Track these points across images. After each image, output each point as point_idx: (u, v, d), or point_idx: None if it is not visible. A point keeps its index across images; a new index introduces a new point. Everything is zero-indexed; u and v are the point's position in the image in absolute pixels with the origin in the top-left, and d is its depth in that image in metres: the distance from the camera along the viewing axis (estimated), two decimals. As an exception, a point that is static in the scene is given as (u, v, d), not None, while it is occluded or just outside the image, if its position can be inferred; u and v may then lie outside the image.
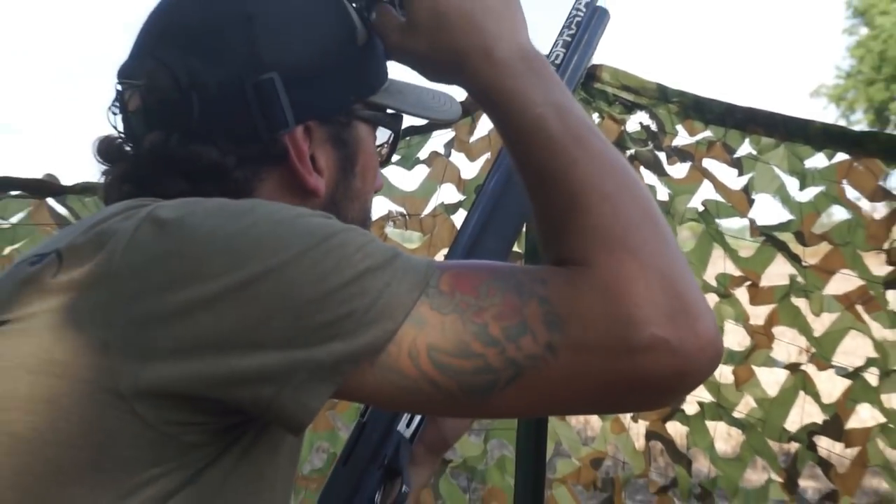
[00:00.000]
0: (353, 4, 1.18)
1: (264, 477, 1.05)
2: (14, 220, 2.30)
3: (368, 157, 1.21)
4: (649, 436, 2.48)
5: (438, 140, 2.55)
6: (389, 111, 1.23)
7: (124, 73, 1.15)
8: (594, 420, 2.59)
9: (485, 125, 2.53)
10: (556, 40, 1.39)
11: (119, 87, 1.15)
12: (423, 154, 2.54)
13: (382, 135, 1.26)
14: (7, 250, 2.28)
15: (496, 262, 1.05)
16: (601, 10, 1.40)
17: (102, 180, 1.18)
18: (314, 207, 1.12)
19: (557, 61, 1.37)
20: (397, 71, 1.23)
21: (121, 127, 1.15)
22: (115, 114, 1.15)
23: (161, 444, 0.95)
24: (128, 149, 1.14)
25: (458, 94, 1.20)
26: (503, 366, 0.93)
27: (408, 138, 2.53)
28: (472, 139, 2.51)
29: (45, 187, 2.27)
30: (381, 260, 0.95)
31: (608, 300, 0.92)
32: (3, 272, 1.10)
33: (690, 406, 2.43)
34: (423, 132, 2.54)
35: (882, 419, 2.22)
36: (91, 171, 1.23)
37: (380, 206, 2.56)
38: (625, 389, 0.96)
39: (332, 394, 0.96)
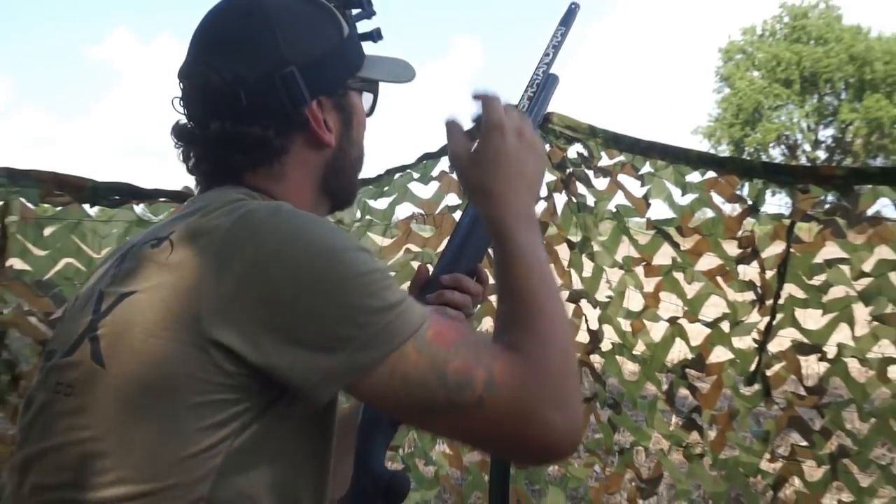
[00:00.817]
0: (334, 7, 1.17)
1: (315, 425, 1.04)
2: (162, 217, 2.23)
3: (360, 115, 1.20)
4: (580, 364, 2.46)
5: (445, 162, 2.50)
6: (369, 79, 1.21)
7: (183, 75, 1.13)
8: None
9: None
10: (523, 94, 1.35)
11: (181, 86, 1.14)
12: (435, 172, 2.53)
13: (367, 98, 1.24)
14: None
15: (469, 330, 1.00)
16: (553, 76, 1.37)
17: (181, 157, 1.16)
18: (327, 155, 1.16)
19: (524, 109, 1.34)
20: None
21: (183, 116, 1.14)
22: (180, 105, 1.14)
23: (238, 387, 0.94)
24: (192, 132, 1.12)
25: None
26: (445, 403, 0.93)
27: (424, 162, 2.51)
28: None
29: (182, 195, 2.21)
30: (392, 302, 0.94)
31: (531, 385, 0.93)
32: (129, 249, 1.07)
33: (606, 345, 2.43)
34: (436, 157, 2.51)
35: (731, 356, 2.23)
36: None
37: (407, 209, 2.56)
38: (515, 445, 0.96)
39: (337, 392, 0.97)
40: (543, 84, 1.37)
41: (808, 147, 38.26)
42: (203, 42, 1.13)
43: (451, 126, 1.17)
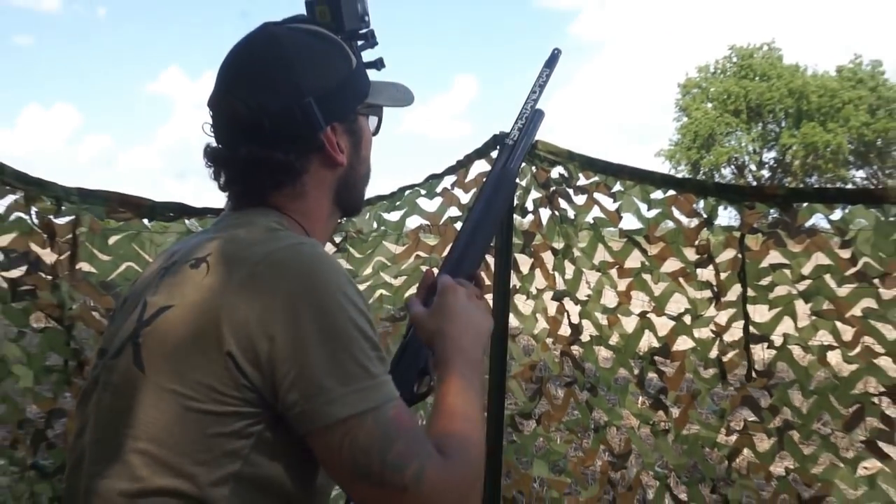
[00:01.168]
0: (342, 40, 1.16)
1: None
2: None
3: (367, 136, 1.19)
4: (562, 353, 2.49)
5: (448, 181, 2.53)
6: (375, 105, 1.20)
7: (212, 105, 1.12)
8: (531, 341, 2.58)
9: (473, 172, 2.52)
10: (513, 125, 1.36)
11: (210, 114, 1.12)
12: (439, 189, 2.53)
13: (373, 120, 1.22)
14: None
15: (422, 429, 0.98)
16: (539, 111, 1.37)
17: (212, 176, 1.14)
18: (340, 173, 1.15)
19: (514, 139, 1.36)
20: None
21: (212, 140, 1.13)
22: (211, 131, 1.13)
23: (248, 401, 0.94)
24: (223, 155, 1.11)
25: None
26: (377, 476, 0.91)
27: (430, 181, 2.52)
28: (466, 181, 2.51)
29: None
30: (375, 373, 0.94)
31: (445, 492, 0.92)
32: (171, 263, 1.07)
33: (585, 336, 2.43)
34: (440, 177, 2.52)
35: (692, 344, 2.23)
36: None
37: (415, 221, 2.56)
38: None
39: (299, 435, 0.94)
40: (531, 117, 1.38)
41: (753, 167, 38.34)
42: (229, 76, 1.11)
43: (409, 300, 1.22)
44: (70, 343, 2.11)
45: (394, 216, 2.55)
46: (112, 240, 2.10)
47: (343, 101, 1.13)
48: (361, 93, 1.17)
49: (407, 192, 2.54)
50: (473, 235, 1.30)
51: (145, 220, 2.13)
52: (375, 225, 2.49)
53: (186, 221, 2.20)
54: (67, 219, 2.01)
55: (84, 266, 2.08)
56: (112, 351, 1.05)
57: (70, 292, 2.06)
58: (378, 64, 1.24)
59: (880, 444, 1.86)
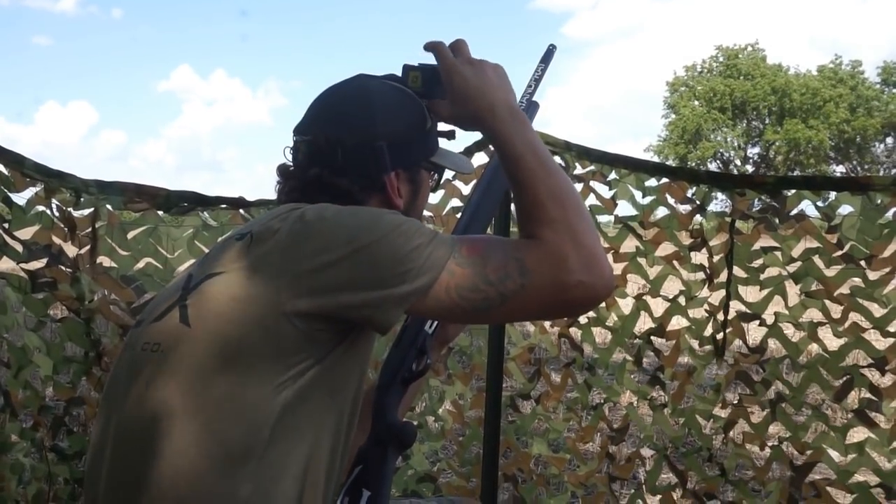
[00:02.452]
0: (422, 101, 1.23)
1: (358, 358, 1.08)
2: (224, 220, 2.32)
3: (425, 190, 1.25)
4: (560, 335, 2.50)
5: (448, 173, 2.36)
6: (438, 164, 1.26)
7: (298, 132, 1.19)
8: (529, 326, 2.62)
9: (473, 164, 2.44)
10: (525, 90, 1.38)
11: (294, 138, 1.20)
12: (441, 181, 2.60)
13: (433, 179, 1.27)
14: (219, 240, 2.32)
15: (492, 237, 1.07)
16: (534, 103, 1.36)
17: (277, 189, 1.21)
18: None
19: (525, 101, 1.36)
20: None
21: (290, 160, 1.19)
22: (291, 153, 1.19)
23: (304, 340, 0.98)
24: (293, 173, 1.18)
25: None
26: (496, 296, 0.98)
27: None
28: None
29: (239, 202, 2.30)
30: (428, 237, 1.00)
31: (553, 262, 0.97)
32: (221, 242, 1.13)
33: (584, 319, 2.44)
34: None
35: (687, 323, 2.28)
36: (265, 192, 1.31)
37: None
38: (563, 308, 1.02)
39: (403, 313, 1.02)
40: (526, 109, 1.38)
41: (738, 162, 38.53)
42: (318, 109, 1.19)
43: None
44: (89, 335, 2.15)
45: (400, 208, 2.59)
46: (131, 234, 2.13)
47: (411, 152, 1.20)
48: (429, 150, 1.24)
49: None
50: (472, 221, 1.33)
51: (161, 213, 2.17)
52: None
53: (201, 213, 2.23)
54: (87, 211, 2.05)
55: (104, 260, 2.11)
56: (151, 318, 1.07)
57: (90, 285, 2.09)
58: (450, 134, 1.30)
59: (868, 412, 1.92)
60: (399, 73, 1.26)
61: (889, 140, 37.22)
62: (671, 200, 2.30)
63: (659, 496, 2.31)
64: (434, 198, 2.60)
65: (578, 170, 2.43)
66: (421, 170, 1.23)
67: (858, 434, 1.97)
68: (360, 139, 1.14)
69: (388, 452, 1.15)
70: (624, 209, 2.39)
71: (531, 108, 1.41)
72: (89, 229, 2.10)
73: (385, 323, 1.01)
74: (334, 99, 1.20)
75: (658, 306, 2.34)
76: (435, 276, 0.99)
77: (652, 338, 2.35)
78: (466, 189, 2.58)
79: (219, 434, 0.96)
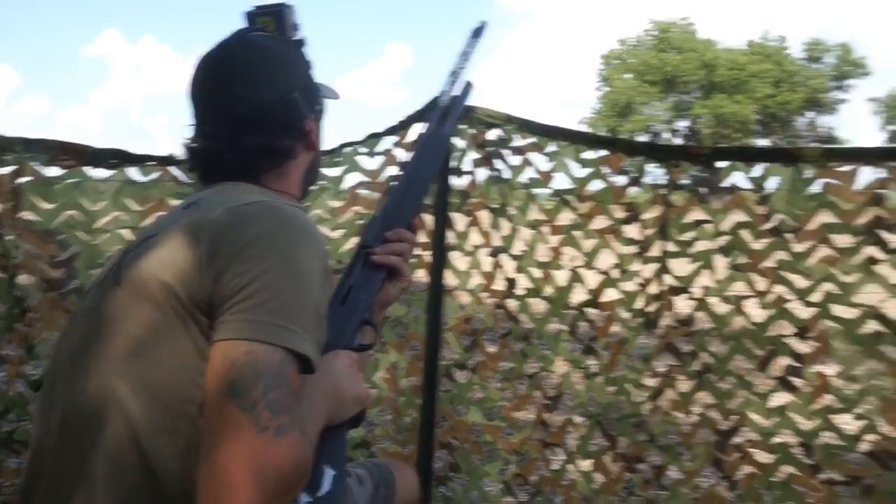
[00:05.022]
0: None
1: None
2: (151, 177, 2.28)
3: (322, 124, 1.31)
4: (497, 306, 2.54)
5: (389, 141, 2.56)
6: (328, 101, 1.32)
7: (200, 101, 1.21)
8: (465, 297, 2.62)
9: (413, 134, 2.51)
10: (442, 90, 1.45)
11: (195, 110, 1.21)
12: (379, 149, 2.56)
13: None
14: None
15: (300, 403, 0.96)
16: (469, 83, 1.46)
17: (190, 167, 1.25)
18: (312, 156, 1.27)
19: (446, 106, 1.43)
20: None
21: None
22: (203, 129, 1.21)
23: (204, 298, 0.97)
24: (221, 145, 1.17)
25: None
26: (252, 404, 0.89)
27: (371, 139, 2.53)
28: (405, 141, 2.53)
29: (167, 160, 2.25)
30: (306, 326, 0.97)
31: (295, 458, 0.89)
32: (176, 209, 1.15)
33: (520, 291, 2.48)
34: (381, 135, 2.54)
35: (621, 296, 2.30)
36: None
37: (356, 178, 2.58)
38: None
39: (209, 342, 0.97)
40: (458, 82, 1.45)
41: (667, 135, 39.32)
42: (219, 75, 1.19)
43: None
44: (13, 291, 2.07)
45: (333, 172, 2.57)
46: (55, 188, 2.06)
47: (314, 94, 1.28)
48: (318, 87, 1.31)
49: (346, 148, 2.56)
50: (406, 190, 1.36)
51: (87, 170, 2.10)
52: (314, 178, 2.48)
53: (127, 170, 2.18)
54: (10, 169, 1.97)
55: (27, 215, 2.04)
56: (96, 283, 1.11)
57: (15, 241, 2.02)
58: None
59: (790, 378, 2.00)
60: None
61: (811, 114, 38.52)
62: (607, 173, 2.31)
63: (591, 460, 2.36)
64: (372, 164, 2.59)
65: (518, 142, 2.43)
66: (318, 108, 1.29)
67: (780, 399, 2.04)
68: (280, 94, 1.19)
69: (340, 428, 1.12)
70: (560, 182, 2.41)
71: (466, 87, 1.47)
72: (11, 185, 2.02)
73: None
74: (232, 60, 1.20)
75: (593, 279, 2.36)
76: (267, 340, 0.93)
77: (586, 309, 2.38)
78: (405, 157, 2.55)
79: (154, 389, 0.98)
